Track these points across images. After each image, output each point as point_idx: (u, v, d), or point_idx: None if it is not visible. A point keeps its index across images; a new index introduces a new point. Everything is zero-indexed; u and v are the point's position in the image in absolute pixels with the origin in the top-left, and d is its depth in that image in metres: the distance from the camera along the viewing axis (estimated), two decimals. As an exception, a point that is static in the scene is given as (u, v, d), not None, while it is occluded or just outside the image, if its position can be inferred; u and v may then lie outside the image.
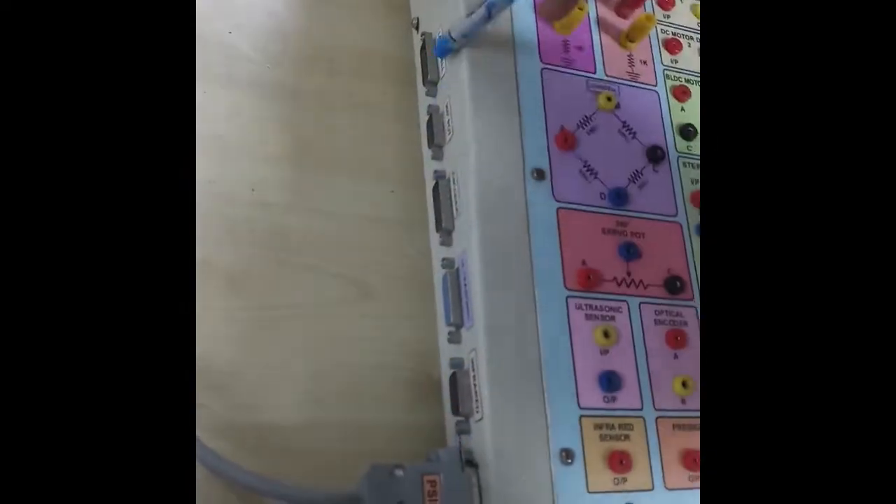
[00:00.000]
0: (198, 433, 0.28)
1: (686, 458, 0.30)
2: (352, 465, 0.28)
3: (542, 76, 0.34)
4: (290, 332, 0.33)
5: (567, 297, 0.31)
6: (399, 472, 0.27)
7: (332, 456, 0.31)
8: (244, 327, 0.32)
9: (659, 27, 0.39)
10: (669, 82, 0.38)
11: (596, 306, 0.31)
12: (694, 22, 0.40)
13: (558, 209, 0.32)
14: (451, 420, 0.31)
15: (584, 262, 0.32)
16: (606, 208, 0.33)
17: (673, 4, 0.40)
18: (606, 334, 0.31)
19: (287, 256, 0.34)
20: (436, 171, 0.34)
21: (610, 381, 0.30)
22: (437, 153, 0.35)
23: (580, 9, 0.35)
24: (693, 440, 0.31)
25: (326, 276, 0.34)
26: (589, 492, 0.28)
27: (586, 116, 0.35)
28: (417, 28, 0.39)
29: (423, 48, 0.37)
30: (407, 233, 0.36)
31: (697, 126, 0.37)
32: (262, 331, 0.32)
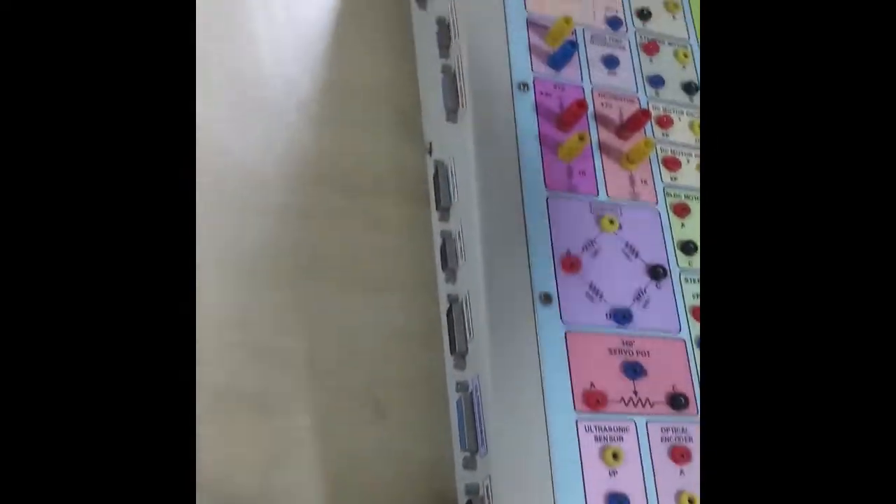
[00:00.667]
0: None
1: (696, 575, 0.31)
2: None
3: (547, 203, 0.37)
4: (308, 452, 0.35)
5: (577, 420, 0.33)
6: None
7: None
8: (266, 449, 0.34)
9: (658, 146, 0.41)
10: (669, 199, 0.40)
11: (605, 427, 0.33)
12: (692, 138, 0.42)
13: (566, 333, 0.34)
14: (468, 543, 0.32)
15: (592, 385, 0.33)
16: (612, 328, 0.35)
17: (672, 123, 0.42)
18: (615, 455, 0.32)
19: (302, 377, 0.36)
20: (449, 295, 0.36)
21: (618, 502, 0.31)
22: (451, 276, 0.37)
23: (581, 139, 0.37)
24: (702, 556, 0.32)
25: (341, 395, 0.36)
26: None
27: (590, 240, 0.37)
28: (430, 153, 0.42)
29: (436, 174, 0.39)
30: (423, 348, 0.38)
31: (697, 243, 0.39)
32: (284, 453, 0.34)
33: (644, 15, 0.44)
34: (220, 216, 0.38)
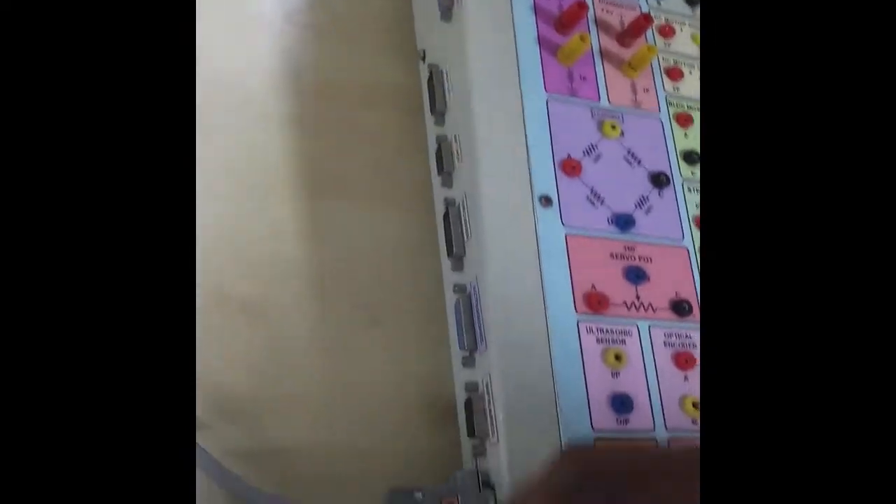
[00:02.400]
0: (220, 460, 0.28)
1: (699, 479, 0.30)
2: (370, 490, 0.28)
3: (547, 105, 0.35)
4: (305, 361, 0.33)
5: (578, 322, 0.31)
6: (418, 496, 0.27)
7: (351, 481, 0.31)
8: (261, 356, 0.33)
9: (660, 56, 0.40)
10: (672, 109, 0.38)
11: (607, 329, 0.32)
12: (694, 50, 0.41)
13: (567, 235, 0.33)
14: (466, 443, 0.31)
15: (593, 287, 0.32)
16: (614, 233, 0.34)
17: (673, 33, 0.41)
18: (618, 357, 0.31)
19: (301, 287, 0.35)
20: (446, 199, 0.35)
21: (623, 404, 0.30)
22: (447, 180, 0.36)
23: (582, 40, 0.36)
24: (705, 461, 0.31)
25: (338, 305, 0.35)
26: (605, 513, 0.28)
27: (592, 144, 0.36)
28: (424, 59, 0.40)
29: (430, 79, 0.38)
30: (418, 259, 0.37)
31: (699, 152, 0.37)
32: (279, 360, 0.33)
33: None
34: (219, 131, 0.37)
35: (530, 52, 0.36)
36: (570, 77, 0.37)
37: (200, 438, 0.29)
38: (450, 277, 0.34)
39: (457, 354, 0.33)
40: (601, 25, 0.39)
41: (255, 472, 0.30)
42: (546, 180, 0.34)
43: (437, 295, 0.36)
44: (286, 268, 0.35)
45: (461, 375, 0.32)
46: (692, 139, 0.38)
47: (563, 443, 0.29)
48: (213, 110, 0.37)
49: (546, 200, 0.33)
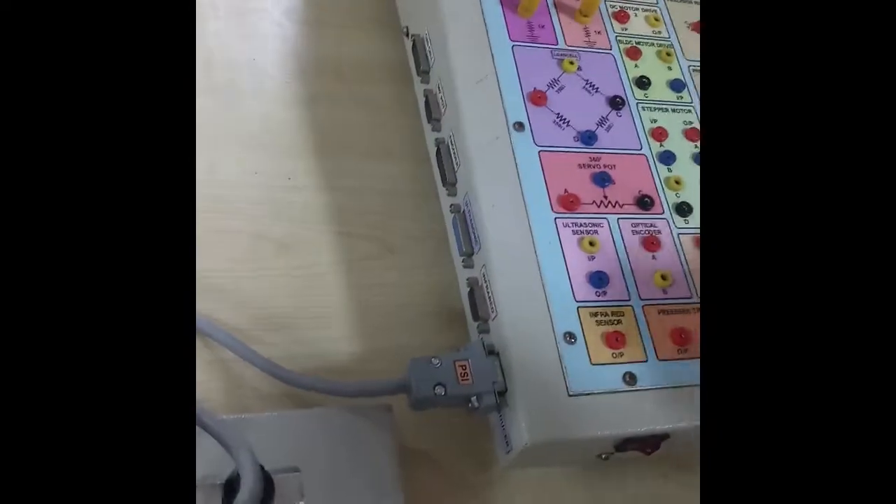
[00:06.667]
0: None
1: (673, 335, 0.36)
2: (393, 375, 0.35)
3: (513, 51, 0.42)
4: (332, 283, 0.40)
5: (555, 219, 0.38)
6: (435, 361, 0.34)
7: (378, 373, 0.37)
8: (296, 282, 0.39)
9: (608, 3, 0.46)
10: (622, 45, 0.45)
11: (580, 223, 0.38)
12: (637, -5, 0.47)
13: (539, 152, 0.39)
14: (472, 327, 0.37)
15: (566, 190, 0.39)
16: (580, 148, 0.40)
17: (619, -16, 0.47)
18: (592, 243, 0.37)
19: (321, 226, 0.42)
20: (436, 139, 0.42)
21: (600, 280, 0.36)
22: (436, 126, 0.42)
23: (536, -6, 0.42)
24: (677, 321, 0.37)
25: (355, 238, 0.42)
26: (592, 364, 0.34)
27: (554, 78, 0.42)
28: (408, 35, 0.47)
29: (413, 46, 0.44)
30: (420, 198, 0.44)
31: (650, 77, 0.44)
32: (310, 284, 0.40)
33: None
34: (234, 104, 0.44)
35: (494, 11, 0.43)
36: (531, 27, 0.43)
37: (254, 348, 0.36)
38: (446, 201, 0.41)
39: (458, 259, 0.39)
40: (554, -18, 0.45)
41: (298, 370, 0.37)
42: (518, 110, 0.40)
43: (439, 225, 0.42)
44: (310, 211, 0.42)
45: (463, 274, 0.39)
46: (642, 68, 0.44)
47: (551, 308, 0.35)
48: (233, 91, 0.44)
49: (519, 126, 0.40)
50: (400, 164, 0.45)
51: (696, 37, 0.47)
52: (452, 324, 0.40)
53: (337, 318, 0.39)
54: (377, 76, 0.48)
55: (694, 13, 0.48)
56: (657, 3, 0.47)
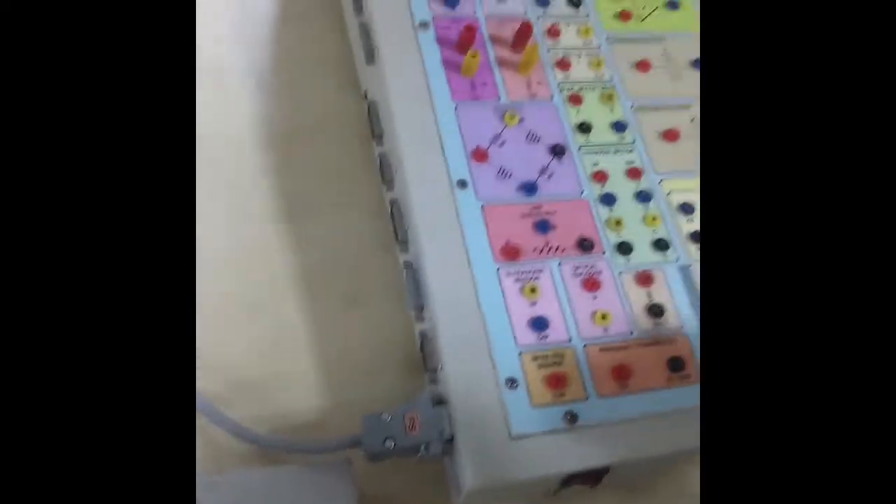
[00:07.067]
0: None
1: (614, 372, 0.39)
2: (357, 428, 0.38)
3: (456, 111, 0.45)
4: (300, 340, 0.43)
5: (498, 269, 0.40)
6: (385, 416, 0.37)
7: (349, 425, 0.41)
8: (264, 342, 0.43)
9: (551, 52, 0.49)
10: (564, 92, 0.47)
11: (522, 271, 0.41)
12: (580, 42, 0.49)
13: (482, 206, 0.42)
14: (425, 377, 0.40)
15: (507, 242, 0.41)
16: (521, 198, 0.43)
17: (560, 33, 0.49)
18: (533, 290, 0.40)
19: (291, 285, 0.45)
20: (390, 199, 0.45)
21: (541, 323, 0.39)
22: (390, 185, 0.45)
23: (474, 56, 0.45)
24: (617, 358, 0.39)
25: (323, 294, 0.45)
26: (532, 406, 0.37)
27: (496, 134, 0.45)
28: (366, 97, 0.50)
29: (369, 111, 0.48)
30: (383, 252, 0.47)
31: (592, 122, 0.46)
32: (278, 343, 0.43)
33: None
34: (211, 177, 0.48)
35: (437, 74, 0.46)
36: (473, 85, 0.46)
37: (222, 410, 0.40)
38: (401, 257, 0.44)
39: (411, 313, 0.42)
40: (494, 40, 0.48)
41: (268, 428, 0.40)
42: (460, 168, 0.43)
43: (400, 276, 0.45)
44: (278, 271, 0.45)
45: (416, 327, 0.42)
46: (584, 113, 0.47)
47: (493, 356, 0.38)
48: (204, 168, 0.47)
49: (462, 183, 0.42)
50: (362, 218, 0.48)
51: (640, 75, 0.49)
52: (416, 372, 0.43)
53: (304, 374, 0.42)
54: (344, 134, 0.51)
55: (639, 52, 0.50)
56: (600, 47, 0.50)
